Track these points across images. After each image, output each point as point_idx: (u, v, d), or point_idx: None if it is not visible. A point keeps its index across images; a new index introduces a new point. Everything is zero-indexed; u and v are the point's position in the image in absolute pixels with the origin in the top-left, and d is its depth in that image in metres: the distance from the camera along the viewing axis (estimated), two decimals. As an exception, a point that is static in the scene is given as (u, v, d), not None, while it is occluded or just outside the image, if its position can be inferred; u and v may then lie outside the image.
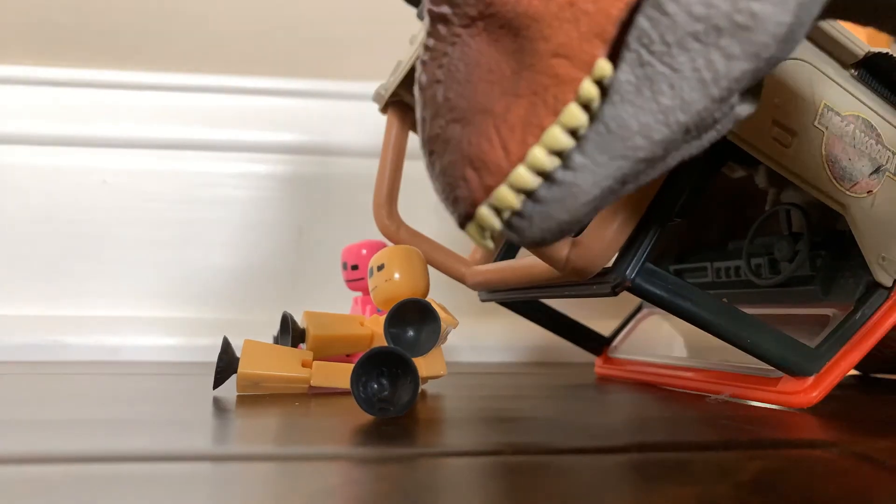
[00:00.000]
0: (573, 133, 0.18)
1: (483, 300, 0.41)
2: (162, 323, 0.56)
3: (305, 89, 0.61)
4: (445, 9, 0.20)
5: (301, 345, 0.35)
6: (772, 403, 0.30)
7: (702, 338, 0.34)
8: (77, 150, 0.58)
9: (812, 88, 0.27)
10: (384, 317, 0.30)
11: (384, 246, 0.42)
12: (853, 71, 0.27)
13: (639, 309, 0.47)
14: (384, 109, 0.43)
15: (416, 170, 0.48)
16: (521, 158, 0.18)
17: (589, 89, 0.18)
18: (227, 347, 0.32)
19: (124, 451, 0.20)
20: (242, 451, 0.21)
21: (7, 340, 0.53)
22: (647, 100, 0.18)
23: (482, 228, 0.19)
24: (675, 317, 0.29)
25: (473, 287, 0.40)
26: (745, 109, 0.20)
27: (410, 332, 0.31)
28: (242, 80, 0.60)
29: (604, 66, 0.18)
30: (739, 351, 0.29)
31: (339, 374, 0.33)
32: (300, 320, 0.36)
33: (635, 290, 0.28)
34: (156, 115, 0.59)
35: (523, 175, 0.18)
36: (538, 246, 0.20)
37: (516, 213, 0.19)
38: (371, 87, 0.57)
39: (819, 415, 0.28)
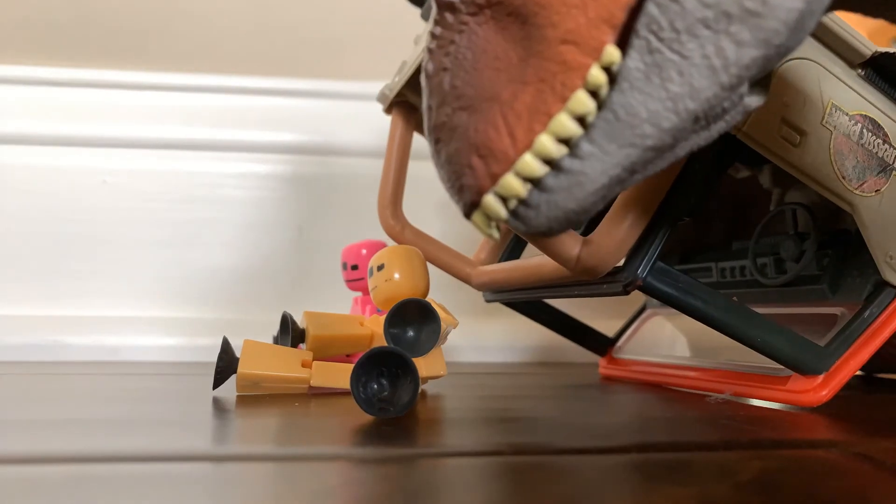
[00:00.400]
0: (581, 120, 0.18)
1: (488, 300, 0.41)
2: (162, 323, 0.56)
3: (305, 89, 0.61)
4: None
5: (301, 345, 0.35)
6: (781, 402, 0.30)
7: (706, 338, 0.34)
8: (77, 150, 0.58)
9: (820, 88, 0.27)
10: (384, 317, 0.30)
11: (384, 246, 0.42)
12: (860, 70, 0.27)
13: (643, 309, 0.47)
14: (388, 110, 0.43)
15: (420, 170, 0.49)
16: (527, 146, 0.18)
17: (597, 76, 0.18)
18: (226, 347, 0.32)
19: (124, 451, 0.20)
20: (242, 451, 0.21)
21: (7, 340, 0.52)
22: (655, 87, 0.18)
23: (488, 217, 0.19)
24: (678, 318, 0.29)
25: (479, 287, 0.40)
26: (754, 101, 0.19)
27: (410, 333, 0.31)
28: (242, 80, 0.60)
29: (612, 53, 0.18)
30: (745, 350, 0.29)
31: (339, 375, 0.33)
32: (300, 320, 0.36)
33: (646, 289, 0.28)
34: (156, 115, 0.59)
35: (530, 163, 0.18)
36: (545, 236, 0.20)
37: (523, 202, 0.19)
38: (371, 86, 0.57)
39: (820, 415, 0.28)
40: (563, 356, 0.57)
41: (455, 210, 0.60)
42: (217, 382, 0.32)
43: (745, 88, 0.18)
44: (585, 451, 0.21)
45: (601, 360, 0.46)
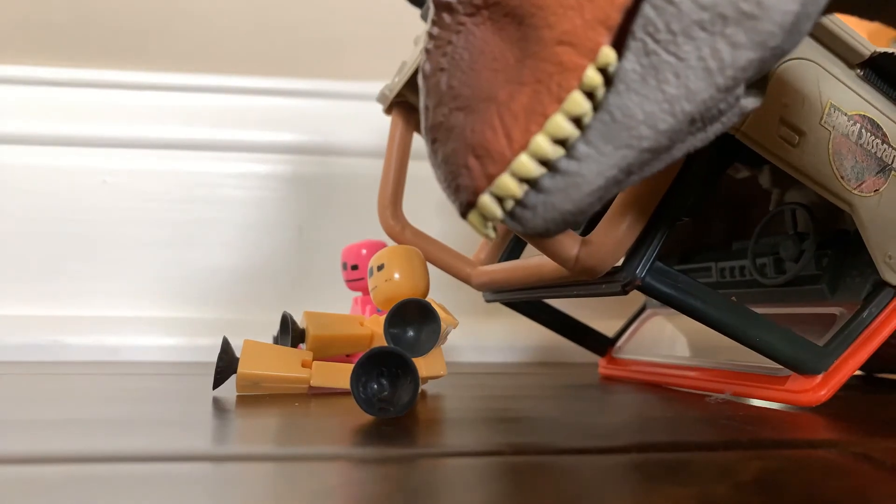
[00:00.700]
0: (577, 122, 0.18)
1: (488, 300, 0.41)
2: (162, 323, 0.56)
3: (305, 89, 0.61)
4: None
5: (301, 345, 0.35)
6: (780, 402, 0.30)
7: (706, 338, 0.34)
8: (77, 150, 0.58)
9: (818, 88, 0.27)
10: (384, 317, 0.30)
11: (384, 246, 0.42)
12: (859, 71, 0.28)
13: (642, 309, 0.47)
14: (388, 110, 0.43)
15: (420, 170, 0.48)
16: (523, 146, 0.18)
17: (593, 77, 0.18)
18: (226, 347, 0.32)
19: (124, 451, 0.20)
20: (242, 452, 0.21)
21: (7, 340, 0.52)
22: (652, 89, 0.18)
23: (484, 218, 0.19)
24: (678, 318, 0.29)
25: (479, 287, 0.40)
26: (750, 102, 0.19)
27: (410, 333, 0.31)
28: (242, 80, 0.60)
29: (608, 54, 0.18)
30: (744, 350, 0.29)
31: (339, 375, 0.33)
32: (300, 320, 0.36)
33: (645, 289, 0.28)
34: (156, 115, 0.59)
35: (526, 163, 0.18)
36: (542, 237, 0.20)
37: (520, 203, 0.19)
38: (371, 86, 0.57)
39: (820, 415, 0.28)
40: (562, 356, 0.57)
41: (455, 210, 0.60)
42: (217, 382, 0.32)
43: (741, 90, 0.18)
44: (585, 451, 0.21)
45: (601, 360, 0.46)
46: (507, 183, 0.18)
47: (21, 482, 0.17)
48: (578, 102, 0.18)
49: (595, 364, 0.49)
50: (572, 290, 0.31)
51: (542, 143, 0.18)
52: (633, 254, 0.27)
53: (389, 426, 0.24)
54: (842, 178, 0.28)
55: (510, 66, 0.19)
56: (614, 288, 0.28)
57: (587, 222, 0.34)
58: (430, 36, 0.20)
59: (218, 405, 0.29)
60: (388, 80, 0.48)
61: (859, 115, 0.28)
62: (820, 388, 0.29)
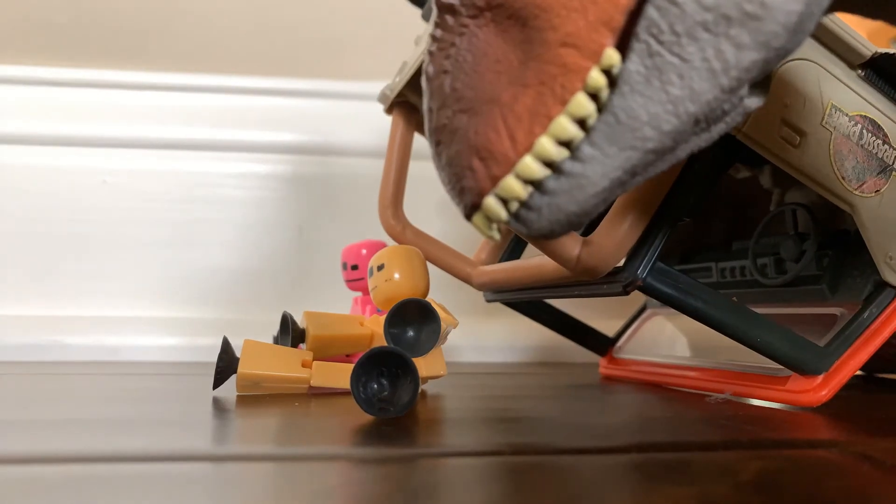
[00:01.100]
0: (581, 123, 0.18)
1: (488, 300, 0.41)
2: (162, 323, 0.56)
3: (305, 89, 0.61)
4: None
5: (301, 345, 0.35)
6: (781, 402, 0.30)
7: (706, 338, 0.34)
8: (77, 150, 0.58)
9: (820, 88, 0.27)
10: (384, 317, 0.30)
11: (384, 246, 0.42)
12: (860, 71, 0.28)
13: (643, 309, 0.47)
14: (389, 110, 0.43)
15: (421, 170, 0.48)
16: (528, 148, 0.18)
17: (597, 78, 0.18)
18: (226, 347, 0.32)
19: (124, 451, 0.20)
20: (242, 452, 0.21)
21: (7, 340, 0.52)
22: (656, 90, 0.18)
23: (489, 219, 0.19)
24: (679, 318, 0.29)
25: (479, 287, 0.40)
26: (754, 102, 0.19)
27: (410, 333, 0.31)
28: (242, 80, 0.60)
29: (612, 55, 0.18)
30: (744, 350, 0.29)
31: (339, 375, 0.33)
32: (300, 320, 0.36)
33: (646, 289, 0.28)
34: (156, 115, 0.59)
35: (530, 165, 0.18)
36: (546, 238, 0.20)
37: (524, 205, 0.19)
38: (371, 86, 0.57)
39: (820, 415, 0.28)
40: (563, 356, 0.57)
41: (456, 210, 0.60)
42: (217, 382, 0.32)
43: (745, 90, 0.18)
44: (585, 451, 0.21)
45: (601, 360, 0.46)
46: (512, 185, 0.18)
47: (21, 482, 0.17)
48: (583, 104, 0.18)
49: (595, 364, 0.49)
50: (573, 291, 0.31)
51: (546, 144, 0.18)
52: (635, 254, 0.27)
53: (389, 426, 0.24)
54: (843, 178, 0.28)
55: (513, 68, 0.19)
56: (615, 288, 0.28)
57: (588, 223, 0.34)
58: (434, 38, 0.20)
59: (218, 405, 0.29)
60: (388, 80, 0.48)
61: (860, 115, 0.28)
62: (821, 389, 0.29)
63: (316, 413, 0.28)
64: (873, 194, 0.28)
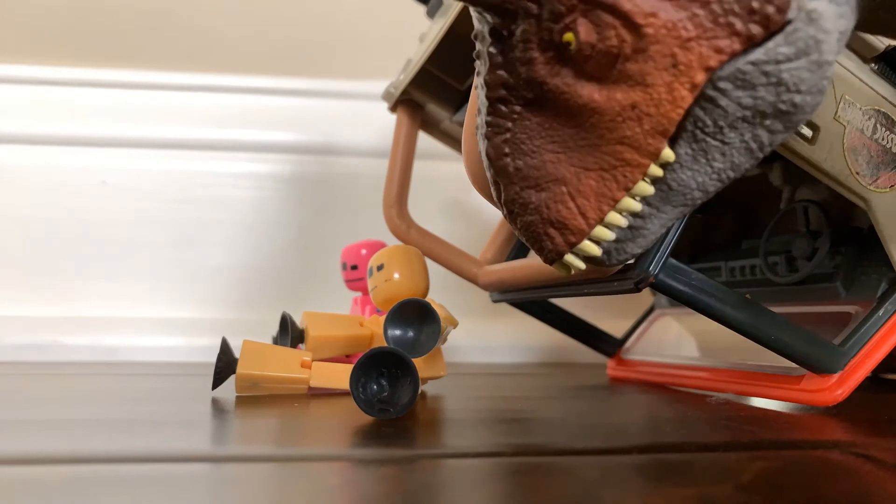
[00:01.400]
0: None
1: (495, 301, 0.41)
2: (161, 323, 0.55)
3: (305, 89, 0.61)
4: (502, 92, 0.22)
5: (300, 345, 0.35)
6: (795, 402, 0.30)
7: (715, 338, 0.33)
8: (77, 150, 0.58)
9: (832, 82, 0.27)
10: (384, 317, 0.30)
11: (384, 246, 0.42)
12: (873, 65, 0.27)
13: (651, 310, 0.47)
14: (394, 108, 0.42)
15: (425, 170, 0.48)
16: (598, 220, 0.22)
17: (655, 171, 0.21)
18: (225, 348, 0.32)
19: (124, 451, 0.20)
20: (242, 452, 0.21)
21: (7, 340, 0.52)
22: (702, 165, 0.21)
23: (567, 266, 0.23)
24: (687, 318, 0.29)
25: (485, 287, 0.40)
26: None
27: (410, 333, 0.31)
28: (242, 80, 0.60)
29: (668, 154, 0.21)
30: (755, 350, 0.29)
31: (339, 375, 0.32)
32: (299, 321, 0.36)
33: (659, 286, 0.27)
34: (156, 114, 0.59)
35: (602, 231, 0.22)
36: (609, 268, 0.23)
37: None
38: (372, 86, 0.57)
39: (823, 415, 0.28)
40: (570, 357, 0.57)
41: (461, 209, 0.60)
42: (216, 383, 0.32)
43: None
44: (586, 451, 0.21)
45: (609, 362, 0.46)
46: (589, 247, 0.22)
47: (21, 482, 0.17)
48: (644, 189, 0.21)
49: (602, 364, 0.49)
50: (583, 289, 0.31)
51: (616, 218, 0.22)
52: (646, 251, 0.27)
53: (389, 427, 0.24)
54: (857, 173, 0.27)
55: (570, 149, 0.22)
56: (627, 285, 0.28)
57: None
58: (487, 123, 0.22)
59: (217, 406, 0.29)
60: (390, 79, 0.48)
61: (873, 109, 0.27)
62: (836, 388, 0.28)
63: (315, 414, 0.28)
64: (888, 189, 0.28)
